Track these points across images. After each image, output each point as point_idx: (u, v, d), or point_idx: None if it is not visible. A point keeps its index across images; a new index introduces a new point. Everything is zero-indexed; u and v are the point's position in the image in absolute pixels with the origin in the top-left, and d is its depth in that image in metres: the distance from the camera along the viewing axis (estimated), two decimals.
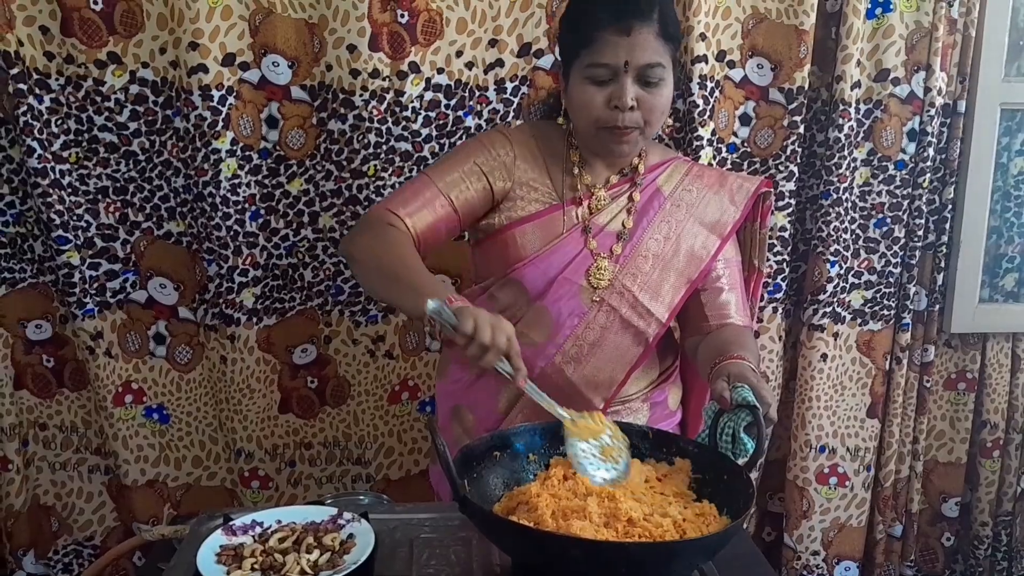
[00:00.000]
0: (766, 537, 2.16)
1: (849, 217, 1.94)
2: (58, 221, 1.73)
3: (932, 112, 1.87)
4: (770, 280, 1.94)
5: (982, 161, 1.95)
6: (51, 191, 1.72)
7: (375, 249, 1.29)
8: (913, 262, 1.96)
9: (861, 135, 1.90)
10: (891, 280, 1.99)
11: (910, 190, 1.93)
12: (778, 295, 1.96)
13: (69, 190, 1.75)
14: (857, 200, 1.94)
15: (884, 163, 1.92)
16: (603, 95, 1.29)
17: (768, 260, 1.92)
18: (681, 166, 1.46)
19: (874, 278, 1.98)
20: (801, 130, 1.86)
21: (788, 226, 1.92)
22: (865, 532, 2.12)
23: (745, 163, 1.89)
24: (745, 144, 1.88)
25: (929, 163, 1.90)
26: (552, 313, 1.36)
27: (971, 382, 2.10)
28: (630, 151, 1.37)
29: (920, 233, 1.95)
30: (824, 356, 1.97)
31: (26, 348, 1.87)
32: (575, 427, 1.09)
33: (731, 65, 1.83)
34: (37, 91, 1.68)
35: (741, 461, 1.09)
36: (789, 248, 1.95)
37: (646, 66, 1.27)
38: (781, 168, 1.88)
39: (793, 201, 1.91)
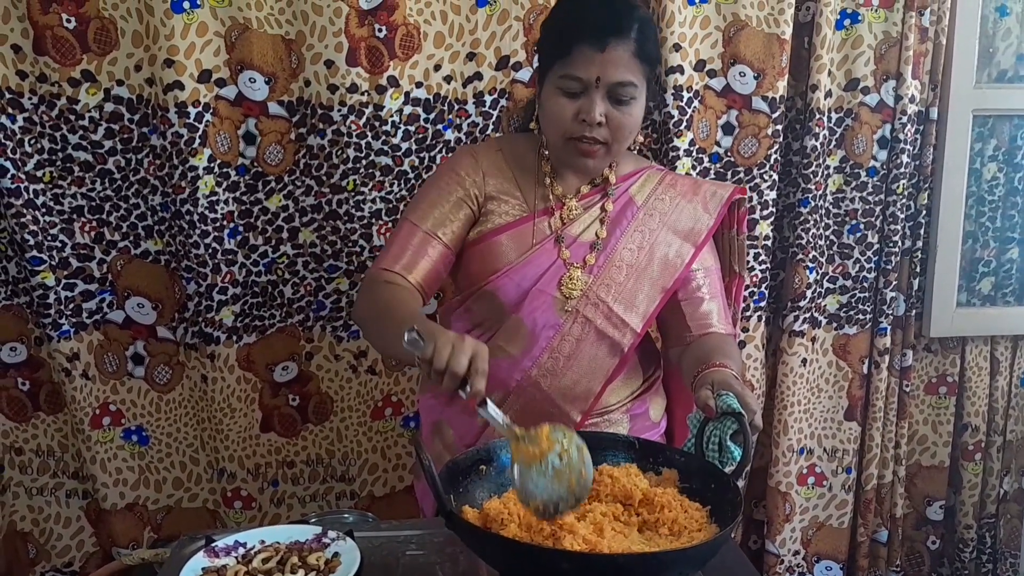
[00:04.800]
0: (752, 545, 2.16)
1: (824, 224, 1.96)
2: (32, 241, 1.71)
3: (904, 119, 1.89)
4: (756, 289, 1.95)
5: (956, 167, 1.98)
6: (25, 211, 1.69)
7: (370, 309, 1.31)
8: (890, 267, 1.98)
9: (833, 143, 1.92)
10: (865, 285, 2.00)
11: (883, 196, 1.95)
12: (762, 303, 1.97)
13: (43, 210, 1.73)
14: (831, 207, 1.96)
15: (856, 170, 1.94)
16: (573, 108, 1.29)
17: (754, 269, 1.93)
18: (654, 175, 1.46)
19: (849, 283, 2.00)
20: (781, 139, 1.88)
21: (771, 235, 1.93)
22: (848, 535, 2.12)
23: (729, 173, 1.89)
24: (728, 154, 1.89)
25: (903, 169, 1.92)
26: (528, 325, 1.35)
27: (951, 386, 2.12)
28: (595, 166, 1.37)
29: (896, 239, 1.97)
30: (804, 361, 1.99)
31: (0, 371, 1.83)
32: (519, 451, 1.00)
33: (712, 74, 1.84)
34: (10, 110, 1.66)
35: (728, 469, 1.09)
36: (771, 256, 1.96)
37: (617, 84, 1.27)
38: (765, 177, 1.89)
39: (774, 210, 1.92)
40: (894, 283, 1.99)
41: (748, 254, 1.91)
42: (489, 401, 1.04)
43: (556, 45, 1.30)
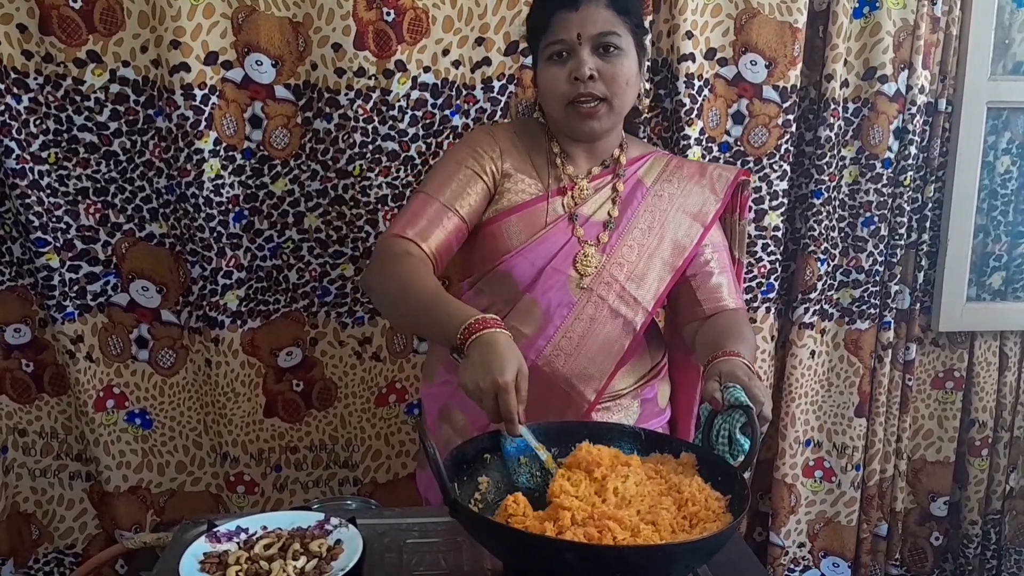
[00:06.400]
0: (757, 537, 2.15)
1: (837, 215, 1.93)
2: (37, 223, 1.70)
3: (914, 110, 1.87)
4: (763, 280, 1.94)
5: (969, 159, 1.95)
6: (30, 192, 1.68)
7: (394, 281, 1.27)
8: (895, 260, 1.96)
9: (850, 133, 1.90)
10: (876, 279, 1.99)
11: (893, 188, 1.93)
12: (771, 295, 1.95)
13: (48, 191, 1.72)
14: (846, 199, 1.94)
15: (872, 161, 1.91)
16: (564, 71, 1.33)
17: (762, 260, 1.92)
18: (661, 159, 1.48)
19: (862, 277, 1.98)
20: (793, 129, 1.86)
21: (781, 225, 1.91)
22: (855, 531, 2.11)
23: (739, 162, 1.87)
24: (738, 143, 1.87)
25: (911, 161, 1.90)
26: (542, 305, 1.36)
27: (959, 380, 2.10)
28: (601, 128, 1.37)
29: (902, 231, 1.95)
30: (812, 353, 1.97)
31: (5, 353, 1.83)
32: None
33: (723, 63, 1.82)
34: (15, 90, 1.65)
35: (737, 462, 1.07)
36: (781, 248, 1.94)
37: (599, 35, 1.31)
38: (775, 167, 1.87)
39: (785, 200, 1.90)
40: (898, 276, 1.98)
41: (756, 244, 1.91)
42: (526, 431, 1.10)
43: (536, 23, 1.36)
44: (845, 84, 1.85)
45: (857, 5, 1.81)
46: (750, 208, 1.88)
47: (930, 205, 1.97)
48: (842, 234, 1.95)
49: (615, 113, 1.36)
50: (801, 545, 2.09)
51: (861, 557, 2.12)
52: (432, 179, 1.39)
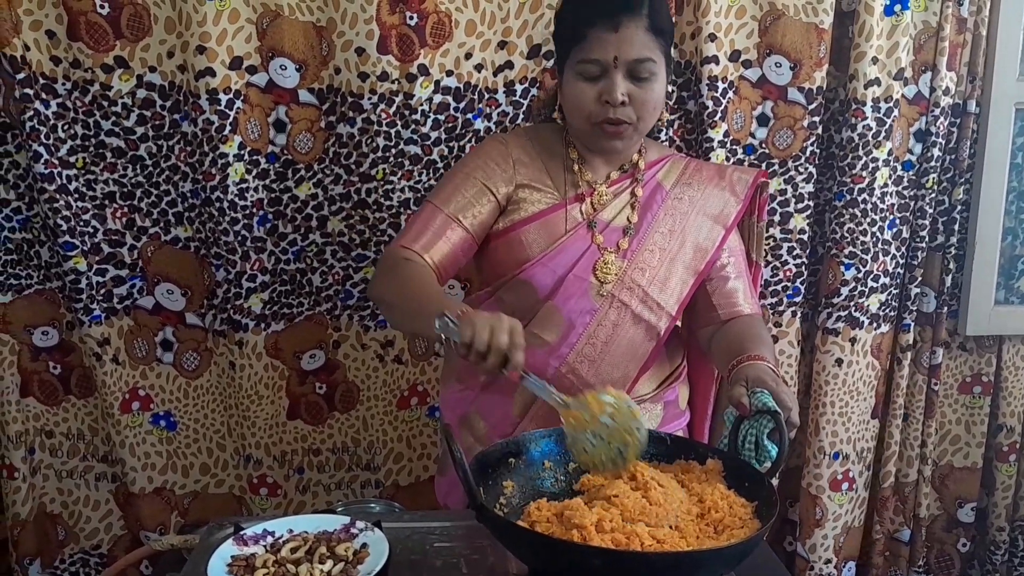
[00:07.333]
0: (787, 546, 2.12)
1: (869, 219, 1.88)
2: (65, 227, 1.72)
3: (937, 112, 1.84)
4: (789, 284, 1.92)
5: (997, 161, 1.93)
6: (58, 197, 1.70)
7: (393, 286, 1.29)
8: (916, 263, 1.93)
9: (883, 134, 1.84)
10: (897, 282, 1.96)
11: (915, 191, 1.91)
12: (796, 299, 1.93)
13: (76, 195, 1.74)
14: (878, 202, 1.88)
15: (895, 164, 1.89)
16: (594, 91, 1.30)
17: (787, 263, 1.90)
18: (679, 162, 1.47)
19: (887, 280, 1.95)
20: (819, 131, 1.84)
21: (807, 228, 1.90)
22: (862, 533, 2.08)
23: (763, 165, 1.85)
24: (763, 145, 1.85)
25: (934, 163, 1.88)
26: (563, 312, 1.35)
27: (987, 385, 2.07)
28: (624, 147, 1.37)
29: (923, 234, 1.92)
30: (839, 361, 1.93)
31: (33, 355, 1.85)
32: (571, 418, 1.07)
33: (747, 65, 1.81)
34: (43, 96, 1.67)
35: (764, 468, 1.07)
36: (808, 251, 1.92)
37: (636, 61, 1.28)
38: (800, 170, 1.85)
39: (811, 203, 1.89)
40: (919, 279, 1.95)
41: (782, 248, 1.89)
42: (529, 373, 1.08)
43: (571, 32, 1.32)
44: (876, 83, 1.80)
45: (888, 2, 1.76)
46: (774, 211, 1.87)
47: (958, 208, 1.94)
48: (874, 239, 1.89)
49: (639, 134, 1.36)
50: (828, 561, 2.04)
51: (873, 559, 2.08)
52: (441, 189, 1.38)
